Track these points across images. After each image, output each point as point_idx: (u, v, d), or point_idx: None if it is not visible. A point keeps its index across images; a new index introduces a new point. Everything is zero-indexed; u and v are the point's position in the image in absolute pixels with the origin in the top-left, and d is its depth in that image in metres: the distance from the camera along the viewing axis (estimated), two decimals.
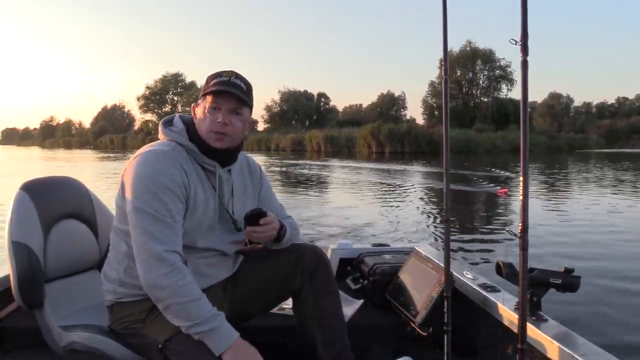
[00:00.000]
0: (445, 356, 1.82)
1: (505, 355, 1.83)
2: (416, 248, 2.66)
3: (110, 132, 78.98)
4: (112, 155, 42.76)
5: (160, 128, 1.68)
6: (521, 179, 1.36)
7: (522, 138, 1.33)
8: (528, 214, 1.35)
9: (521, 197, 1.36)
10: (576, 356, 1.43)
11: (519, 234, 1.35)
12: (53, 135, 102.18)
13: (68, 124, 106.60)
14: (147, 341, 1.57)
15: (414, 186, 15.18)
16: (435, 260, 2.23)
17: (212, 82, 1.61)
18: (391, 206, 10.70)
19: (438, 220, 8.52)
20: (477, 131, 44.71)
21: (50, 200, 1.87)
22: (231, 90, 1.58)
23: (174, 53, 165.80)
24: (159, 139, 1.68)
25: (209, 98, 1.60)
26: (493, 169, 20.64)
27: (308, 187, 14.67)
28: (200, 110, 1.62)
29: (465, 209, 10.32)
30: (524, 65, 1.31)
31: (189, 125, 1.65)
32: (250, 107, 1.66)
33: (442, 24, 1.79)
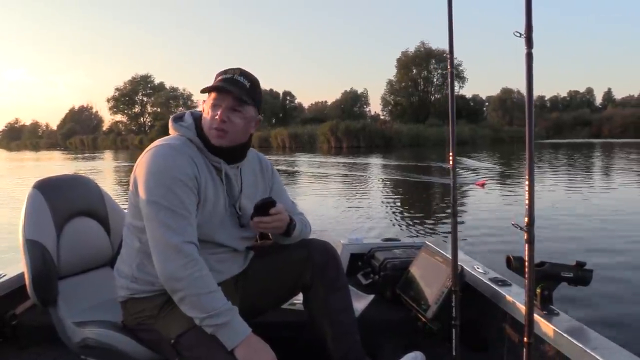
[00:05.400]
0: (454, 350, 1.82)
1: (514, 349, 1.82)
2: (427, 242, 2.66)
3: (79, 133, 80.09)
4: (86, 155, 44.24)
5: (170, 124, 1.69)
6: (527, 171, 1.35)
7: (528, 132, 1.32)
8: (534, 207, 1.34)
9: (527, 190, 1.35)
10: (587, 350, 1.42)
11: (525, 227, 1.34)
12: (19, 137, 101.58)
13: (35, 125, 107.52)
14: (160, 336, 1.59)
15: (391, 180, 15.72)
16: (446, 255, 2.22)
17: (217, 79, 1.62)
18: (383, 201, 10.93)
19: (427, 215, 8.62)
20: (428, 126, 49.32)
21: (62, 199, 1.90)
22: (229, 88, 1.59)
23: (136, 52, 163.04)
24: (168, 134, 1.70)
25: (211, 95, 1.62)
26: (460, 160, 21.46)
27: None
28: (205, 107, 1.65)
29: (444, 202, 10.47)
30: (529, 57, 1.30)
31: (198, 121, 1.67)
32: (254, 104, 1.65)
33: (447, 15, 1.78)
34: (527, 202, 1.35)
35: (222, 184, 1.67)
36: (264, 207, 1.66)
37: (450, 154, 1.83)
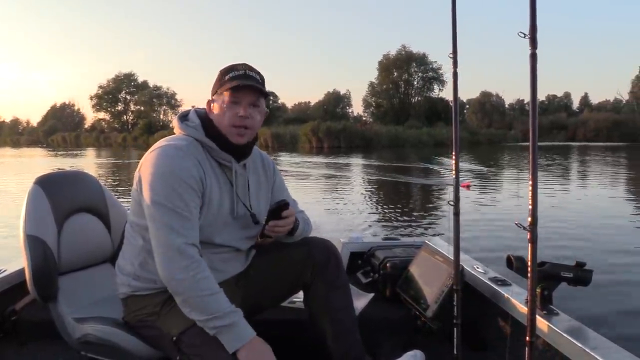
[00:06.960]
0: (455, 350, 1.82)
1: (514, 348, 1.83)
2: (427, 242, 2.66)
3: (61, 130, 79.50)
4: (68, 152, 43.81)
5: (176, 123, 1.68)
6: (530, 171, 1.35)
7: (531, 132, 1.33)
8: (537, 207, 1.34)
9: (530, 190, 1.36)
10: (587, 350, 1.43)
11: (528, 227, 1.34)
12: None
13: (15, 122, 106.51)
14: (161, 334, 1.59)
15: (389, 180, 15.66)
16: (446, 254, 2.22)
17: (227, 77, 1.60)
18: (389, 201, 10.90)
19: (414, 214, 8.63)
20: (407, 128, 50.32)
21: (63, 194, 1.89)
22: (250, 83, 1.58)
23: (119, 50, 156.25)
24: (174, 133, 1.69)
25: (227, 93, 1.59)
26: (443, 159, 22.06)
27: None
28: (218, 105, 1.62)
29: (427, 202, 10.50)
30: (533, 58, 1.31)
31: (205, 120, 1.65)
32: (266, 98, 1.67)
33: (451, 15, 1.78)
34: (530, 202, 1.35)
35: (229, 183, 1.66)
36: (279, 210, 1.66)
37: (453, 153, 1.83)
